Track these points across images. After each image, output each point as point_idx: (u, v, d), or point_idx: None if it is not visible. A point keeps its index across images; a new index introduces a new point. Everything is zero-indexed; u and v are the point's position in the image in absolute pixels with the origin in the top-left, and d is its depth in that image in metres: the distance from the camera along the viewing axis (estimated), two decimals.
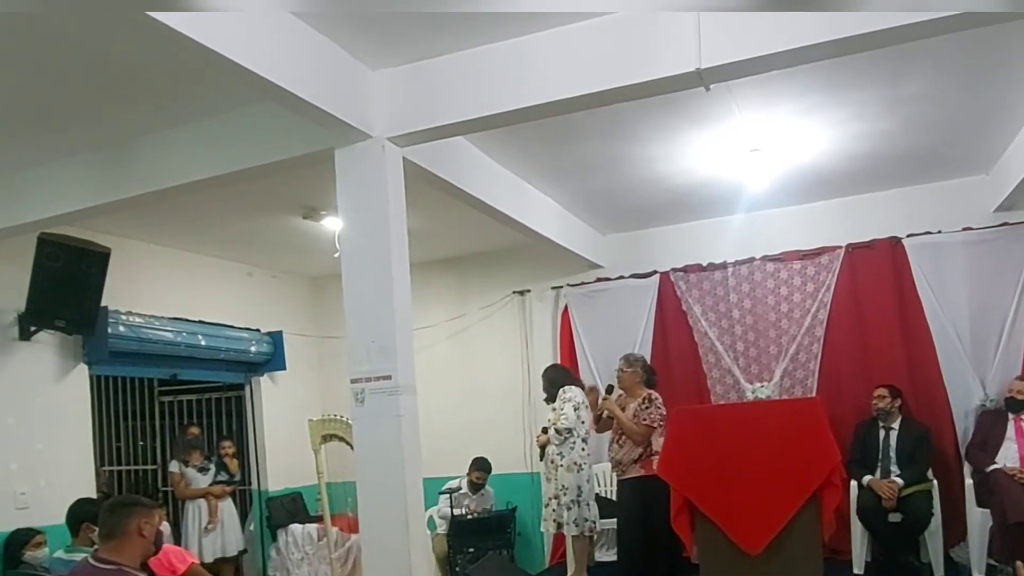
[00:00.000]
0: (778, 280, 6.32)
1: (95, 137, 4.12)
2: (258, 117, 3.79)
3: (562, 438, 5.46)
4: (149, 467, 7.63)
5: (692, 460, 4.70)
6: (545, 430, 5.67)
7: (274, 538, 6.78)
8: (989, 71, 4.08)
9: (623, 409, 5.32)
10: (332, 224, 5.50)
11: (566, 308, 6.91)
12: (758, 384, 6.12)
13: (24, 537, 4.52)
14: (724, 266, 6.46)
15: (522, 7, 3.10)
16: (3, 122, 3.85)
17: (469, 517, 6.20)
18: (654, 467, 5.06)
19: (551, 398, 5.69)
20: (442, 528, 6.22)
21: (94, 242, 5.11)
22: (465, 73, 3.50)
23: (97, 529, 3.23)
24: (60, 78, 3.43)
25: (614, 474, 5.51)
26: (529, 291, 7.11)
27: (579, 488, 5.42)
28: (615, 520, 5.56)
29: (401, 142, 3.67)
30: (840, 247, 6.15)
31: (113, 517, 2.86)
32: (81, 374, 5.49)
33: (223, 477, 6.32)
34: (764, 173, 5.22)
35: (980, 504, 5.26)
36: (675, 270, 6.61)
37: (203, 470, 6.23)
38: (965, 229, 5.82)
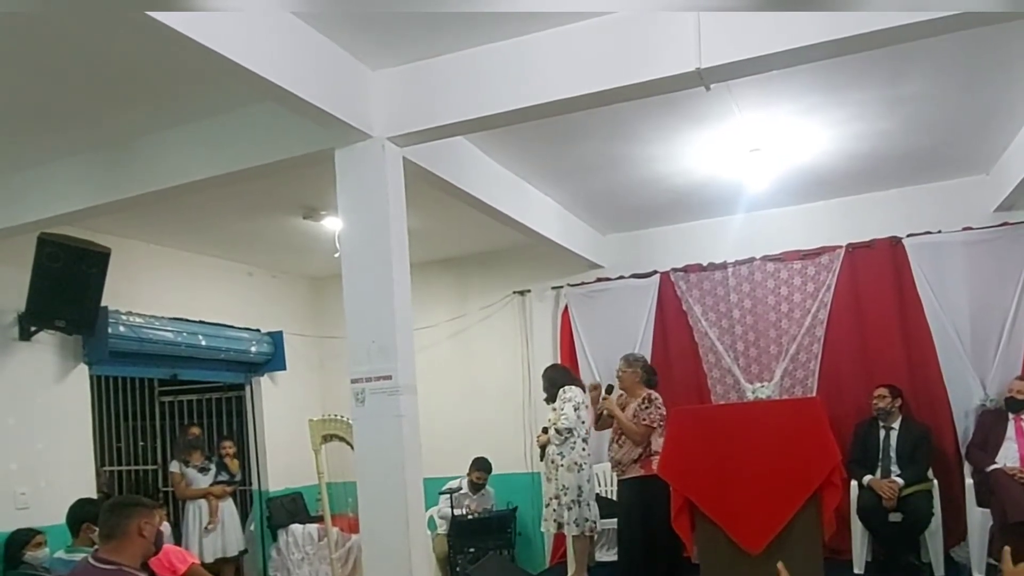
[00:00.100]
0: (778, 280, 6.32)
1: (95, 137, 4.12)
2: (258, 117, 3.79)
3: (562, 438, 5.46)
4: (149, 467, 7.64)
5: (692, 460, 4.70)
6: (545, 430, 5.68)
7: (274, 538, 6.78)
8: (989, 71, 4.08)
9: (623, 409, 5.32)
10: (332, 224, 5.50)
11: (566, 308, 6.91)
12: (758, 384, 6.12)
13: (24, 537, 4.52)
14: (724, 266, 6.46)
15: (522, 7, 3.10)
16: (3, 122, 3.85)
17: (469, 517, 6.20)
18: (654, 467, 5.06)
19: (551, 398, 5.69)
20: (442, 528, 6.22)
21: (94, 242, 5.11)
22: (465, 73, 3.50)
23: (97, 529, 3.23)
24: (60, 78, 3.43)
25: (614, 474, 5.51)
26: (529, 291, 7.11)
27: (579, 488, 5.43)
28: (615, 520, 5.56)
29: (401, 142, 3.67)
30: (840, 247, 6.15)
31: (113, 517, 2.86)
32: (81, 374, 5.49)
33: (224, 477, 6.32)
34: (764, 173, 5.21)
35: (980, 504, 5.26)
36: (675, 270, 6.61)
37: (204, 470, 6.23)
38: (965, 229, 5.82)
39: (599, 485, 6.24)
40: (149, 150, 4.12)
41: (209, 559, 5.95)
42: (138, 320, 5.69)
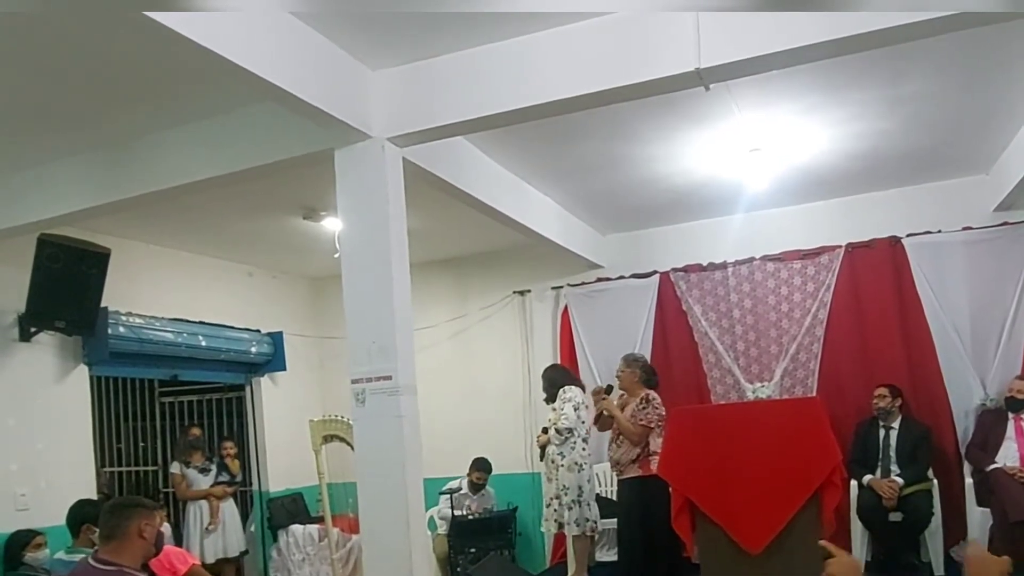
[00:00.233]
0: (778, 280, 6.32)
1: (95, 137, 4.12)
2: (258, 117, 3.79)
3: (563, 438, 5.46)
4: (150, 468, 7.63)
5: (692, 460, 4.70)
6: (545, 430, 5.68)
7: (275, 539, 6.77)
8: (989, 71, 4.08)
9: (623, 409, 5.32)
10: (332, 224, 5.50)
11: (566, 308, 6.91)
12: (758, 384, 6.13)
13: (24, 538, 4.52)
14: (724, 266, 6.46)
15: (522, 7, 3.10)
16: (3, 122, 3.85)
17: (470, 517, 6.20)
18: (652, 467, 5.05)
19: (551, 398, 5.69)
20: (443, 528, 6.22)
21: (94, 243, 5.12)
22: (465, 73, 3.50)
23: (97, 530, 3.23)
24: (60, 78, 3.43)
25: (614, 474, 5.51)
26: (529, 291, 7.11)
27: (580, 488, 5.43)
28: (616, 520, 5.56)
29: (401, 142, 3.67)
30: (840, 247, 6.15)
31: (113, 518, 2.85)
32: (81, 375, 5.49)
33: (224, 478, 6.32)
34: (764, 173, 5.22)
35: (980, 503, 5.26)
36: (675, 270, 6.61)
37: (204, 471, 6.23)
38: (965, 229, 5.82)
39: (599, 485, 6.24)
40: (149, 150, 4.12)
41: (210, 560, 5.94)
42: (138, 321, 5.69)
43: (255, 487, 6.95)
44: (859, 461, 5.56)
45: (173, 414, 7.53)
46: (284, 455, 7.00)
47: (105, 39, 3.13)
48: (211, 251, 6.55)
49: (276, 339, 6.90)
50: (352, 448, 3.78)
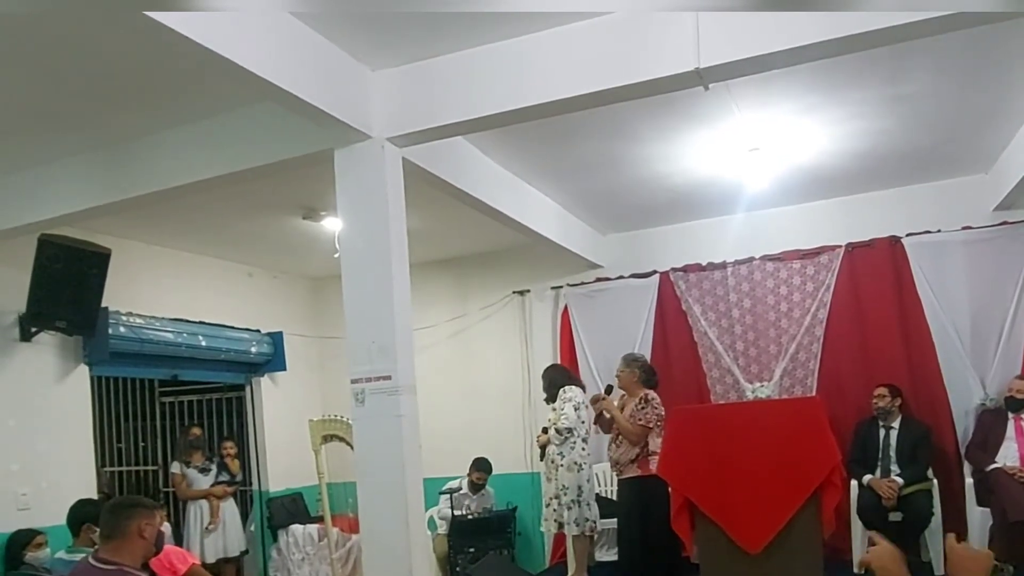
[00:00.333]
0: (778, 279, 6.32)
1: (95, 138, 4.13)
2: (258, 117, 3.79)
3: (562, 438, 5.46)
4: (150, 468, 7.63)
5: (692, 460, 4.70)
6: (545, 430, 5.68)
7: (275, 538, 6.78)
8: (988, 70, 4.08)
9: (623, 409, 5.32)
10: (332, 224, 5.50)
11: (566, 308, 6.91)
12: (758, 384, 6.13)
13: (25, 538, 4.53)
14: (724, 266, 6.46)
15: (522, 7, 3.11)
16: (3, 122, 3.85)
17: (470, 517, 6.20)
18: (651, 467, 5.06)
19: (551, 398, 5.69)
20: (442, 528, 6.22)
21: (94, 243, 5.12)
22: (465, 73, 3.50)
23: (98, 530, 3.23)
24: (60, 79, 3.44)
25: (614, 474, 5.51)
26: (529, 291, 7.11)
27: (579, 488, 5.43)
28: (615, 520, 5.56)
29: (401, 142, 3.68)
30: (840, 246, 6.15)
31: (114, 518, 2.86)
32: (82, 375, 5.50)
33: (224, 478, 6.32)
34: (764, 172, 5.21)
35: (980, 503, 5.26)
36: (675, 270, 6.61)
37: (204, 471, 6.23)
38: (965, 228, 5.82)
39: (599, 485, 6.24)
40: (149, 151, 4.12)
41: (211, 559, 5.95)
42: (138, 321, 5.70)
43: (255, 487, 6.96)
44: (859, 461, 5.56)
45: (173, 414, 7.53)
46: (284, 455, 7.00)
47: (105, 39, 3.13)
48: (211, 251, 6.56)
49: (276, 339, 6.91)
50: (352, 448, 3.78)
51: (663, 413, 5.19)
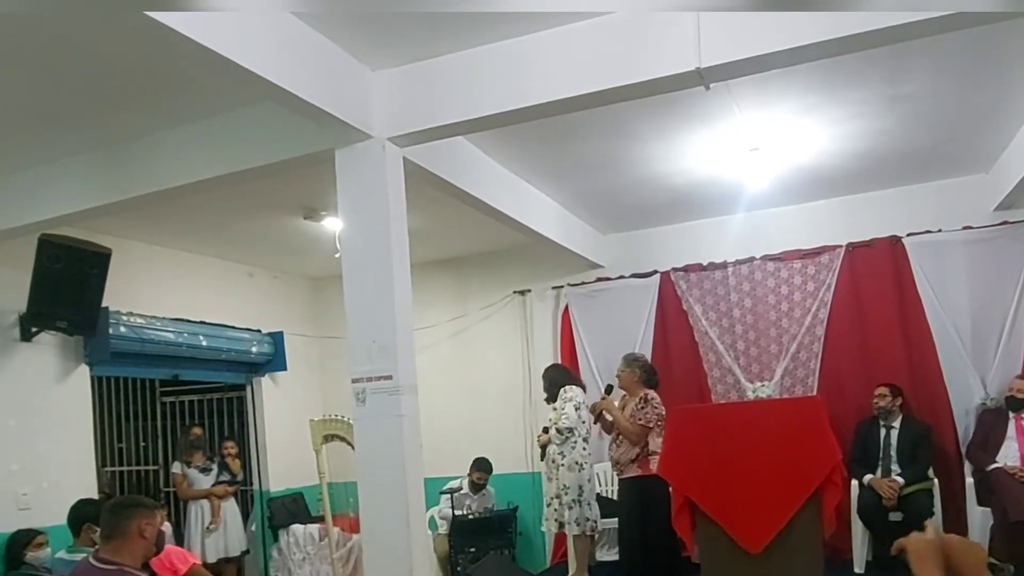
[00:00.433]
0: (778, 279, 6.32)
1: (95, 138, 4.13)
2: (258, 117, 3.79)
3: (563, 438, 5.46)
4: (151, 468, 7.64)
5: (692, 459, 4.70)
6: (546, 430, 5.67)
7: (276, 538, 6.78)
8: (989, 70, 4.08)
9: (623, 409, 5.32)
10: (332, 224, 5.50)
11: (566, 308, 6.91)
12: (759, 383, 6.13)
13: (26, 538, 4.53)
14: (724, 265, 6.46)
15: (522, 7, 3.11)
16: (3, 122, 3.85)
17: (470, 517, 6.20)
18: (651, 467, 5.06)
19: (552, 398, 5.69)
20: (443, 528, 6.22)
21: (95, 243, 5.12)
22: (465, 73, 3.50)
23: (98, 530, 3.23)
24: (60, 79, 3.44)
25: (614, 473, 5.51)
26: (529, 291, 7.11)
27: (580, 488, 5.43)
28: (616, 520, 5.56)
29: (401, 142, 3.68)
30: (840, 246, 6.15)
31: (114, 518, 2.86)
32: (82, 375, 5.50)
33: (225, 477, 6.32)
34: (764, 172, 5.21)
35: (981, 503, 5.26)
36: (675, 270, 6.61)
37: (205, 471, 6.24)
38: (965, 228, 5.82)
39: (600, 484, 6.24)
40: (149, 151, 4.12)
41: (212, 559, 5.95)
42: (139, 321, 5.70)
43: (256, 487, 6.96)
44: (859, 460, 5.56)
45: (174, 414, 7.54)
46: (285, 455, 7.01)
47: (105, 39, 3.13)
48: (212, 251, 6.56)
49: (277, 339, 6.91)
50: (352, 448, 3.78)
51: (663, 413, 5.19)
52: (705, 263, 6.54)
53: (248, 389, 7.03)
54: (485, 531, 6.18)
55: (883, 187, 6.01)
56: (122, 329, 5.51)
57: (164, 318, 5.95)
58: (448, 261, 7.22)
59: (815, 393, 6.03)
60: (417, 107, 3.59)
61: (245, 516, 6.75)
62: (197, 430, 6.59)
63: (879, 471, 5.48)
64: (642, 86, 3.27)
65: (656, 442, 5.11)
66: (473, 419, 7.03)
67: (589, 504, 5.48)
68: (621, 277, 6.78)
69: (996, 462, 5.24)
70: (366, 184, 3.63)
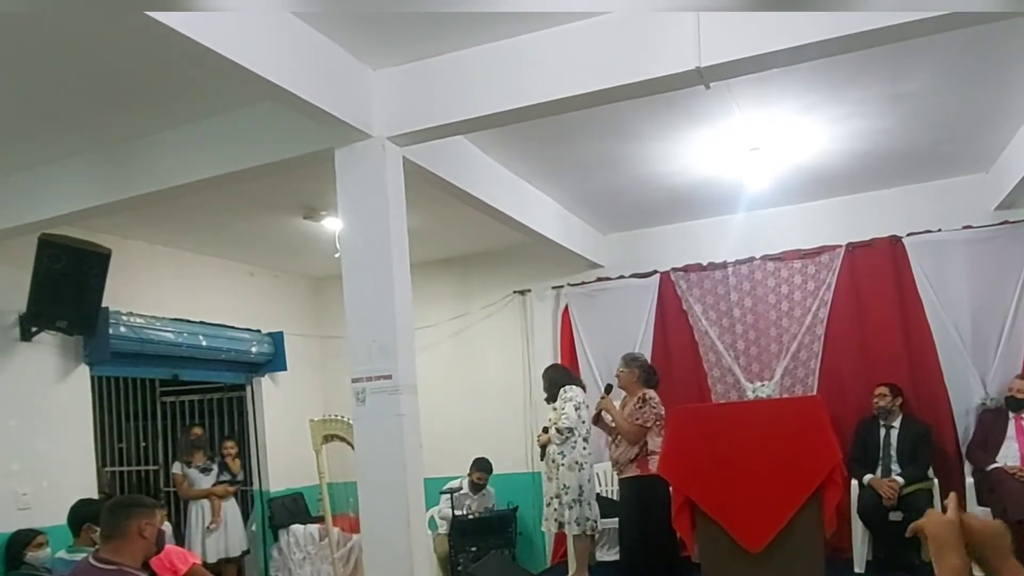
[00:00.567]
0: (779, 279, 6.32)
1: (95, 138, 4.13)
2: (258, 117, 3.79)
3: (563, 437, 5.46)
4: (151, 468, 7.64)
5: (693, 459, 4.70)
6: (546, 430, 5.68)
7: (276, 538, 6.78)
8: (989, 69, 4.08)
9: (623, 408, 5.32)
10: (332, 224, 5.50)
11: (567, 308, 6.91)
12: (759, 383, 6.13)
13: (26, 538, 4.53)
14: (724, 265, 6.46)
15: (522, 7, 3.11)
16: (3, 122, 3.85)
17: (470, 517, 6.20)
18: (650, 467, 5.06)
19: (552, 398, 5.69)
20: (443, 528, 6.22)
21: (95, 243, 5.12)
22: (465, 72, 3.50)
23: (98, 530, 3.23)
24: (60, 79, 3.44)
25: (614, 473, 5.51)
26: (529, 291, 7.11)
27: (580, 487, 5.43)
28: (616, 519, 5.56)
29: (401, 142, 3.68)
30: (840, 246, 6.15)
31: (114, 518, 2.86)
32: (82, 375, 5.50)
33: (225, 477, 6.33)
34: (764, 172, 5.21)
35: (981, 503, 5.25)
36: (675, 269, 6.61)
37: (206, 470, 6.24)
38: (965, 227, 5.82)
39: (600, 484, 6.24)
40: (149, 150, 4.12)
41: (212, 559, 5.96)
42: (139, 321, 5.70)
43: (256, 487, 6.96)
44: (859, 460, 5.56)
45: (174, 414, 7.55)
46: (285, 455, 7.00)
47: (105, 39, 3.13)
48: (212, 251, 6.56)
49: (277, 339, 6.91)
50: (352, 448, 3.78)
51: (662, 412, 5.19)
52: (705, 263, 6.54)
53: (248, 389, 7.03)
54: (485, 531, 6.17)
55: (883, 187, 6.01)
56: (122, 329, 5.51)
57: (164, 318, 5.95)
58: (448, 261, 7.22)
59: (815, 393, 6.03)
60: (417, 106, 3.59)
61: (245, 516, 6.75)
62: (197, 430, 6.59)
63: (879, 471, 5.48)
64: (642, 85, 3.27)
65: (655, 442, 5.11)
66: (473, 419, 7.03)
67: (589, 504, 5.48)
68: (621, 277, 6.78)
69: (996, 462, 5.24)
70: (366, 184, 3.63)
